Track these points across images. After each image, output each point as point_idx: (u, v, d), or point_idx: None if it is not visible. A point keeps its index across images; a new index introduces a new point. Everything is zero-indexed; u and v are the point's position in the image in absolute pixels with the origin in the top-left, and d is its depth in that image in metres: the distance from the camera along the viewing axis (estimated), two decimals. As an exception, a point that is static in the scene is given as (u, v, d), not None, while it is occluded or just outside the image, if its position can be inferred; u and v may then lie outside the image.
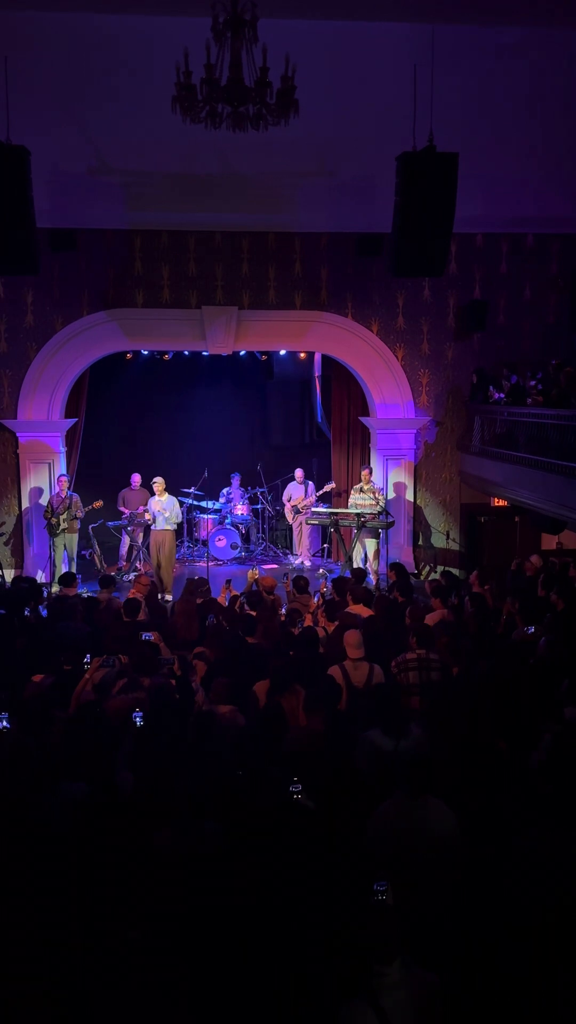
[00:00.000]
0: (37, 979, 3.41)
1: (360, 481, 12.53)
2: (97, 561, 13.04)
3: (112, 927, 3.49)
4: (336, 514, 12.46)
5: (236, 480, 14.70)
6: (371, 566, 12.22)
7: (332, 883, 3.62)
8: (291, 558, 14.26)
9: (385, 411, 13.39)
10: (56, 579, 11.54)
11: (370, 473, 12.63)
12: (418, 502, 13.62)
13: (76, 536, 12.31)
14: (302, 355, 15.20)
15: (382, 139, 10.52)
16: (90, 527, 13.04)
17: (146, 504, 12.45)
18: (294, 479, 14.13)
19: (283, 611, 8.77)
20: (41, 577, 12.13)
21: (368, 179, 11.87)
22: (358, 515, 12.01)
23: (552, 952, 3.50)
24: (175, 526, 12.30)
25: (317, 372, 15.63)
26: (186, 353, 14.85)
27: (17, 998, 3.37)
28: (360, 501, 12.25)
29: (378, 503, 12.14)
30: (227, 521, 14.24)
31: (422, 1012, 3.04)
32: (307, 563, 13.71)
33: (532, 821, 4.02)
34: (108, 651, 6.91)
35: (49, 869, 3.75)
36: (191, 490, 14.08)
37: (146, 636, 7.09)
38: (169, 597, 11.39)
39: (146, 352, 14.71)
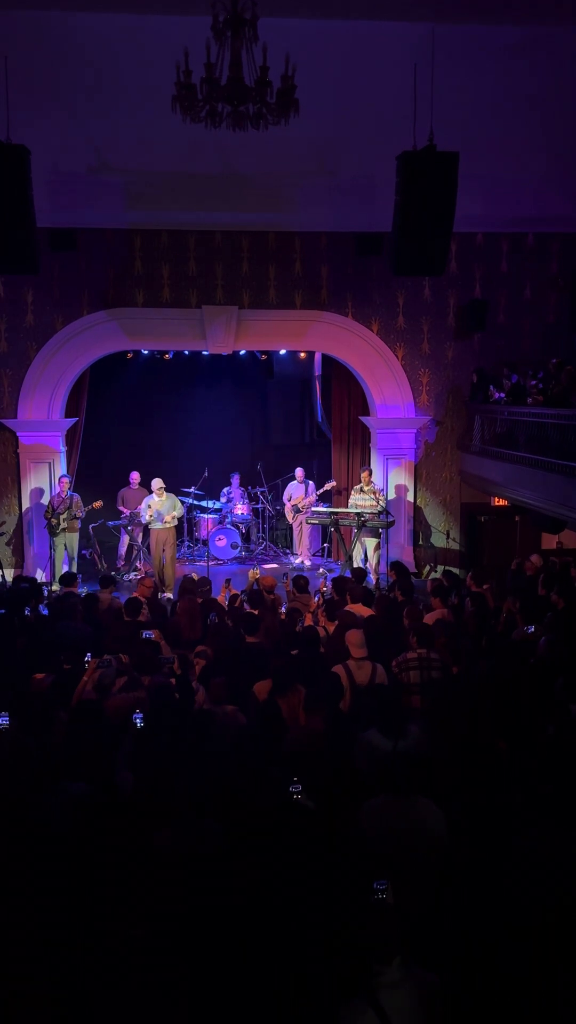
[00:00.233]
0: (37, 979, 3.41)
1: (360, 482, 12.53)
2: (97, 561, 13.05)
3: (112, 927, 3.48)
4: (336, 513, 12.46)
5: (236, 480, 14.69)
6: (371, 566, 12.21)
7: (332, 883, 3.62)
8: (291, 557, 14.25)
9: (385, 411, 13.39)
10: (56, 578, 11.56)
11: (370, 474, 12.61)
12: (418, 502, 13.61)
13: (76, 536, 12.32)
14: (302, 355, 15.19)
15: (382, 139, 10.51)
16: (90, 527, 13.04)
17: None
18: (294, 479, 14.12)
19: (283, 610, 8.78)
20: (41, 576, 12.13)
21: (368, 179, 11.88)
22: (358, 514, 12.01)
23: (552, 952, 3.50)
24: (175, 522, 12.30)
25: (317, 372, 15.63)
26: (186, 353, 14.83)
27: (17, 998, 3.37)
28: (360, 502, 12.23)
29: (379, 503, 12.13)
30: (227, 521, 14.24)
31: (422, 1012, 3.04)
32: (307, 562, 13.70)
33: (532, 821, 4.02)
34: (109, 651, 6.92)
35: (49, 869, 3.75)
36: (191, 489, 14.07)
37: (146, 635, 7.10)
38: (169, 595, 11.39)
39: (146, 352, 14.70)
